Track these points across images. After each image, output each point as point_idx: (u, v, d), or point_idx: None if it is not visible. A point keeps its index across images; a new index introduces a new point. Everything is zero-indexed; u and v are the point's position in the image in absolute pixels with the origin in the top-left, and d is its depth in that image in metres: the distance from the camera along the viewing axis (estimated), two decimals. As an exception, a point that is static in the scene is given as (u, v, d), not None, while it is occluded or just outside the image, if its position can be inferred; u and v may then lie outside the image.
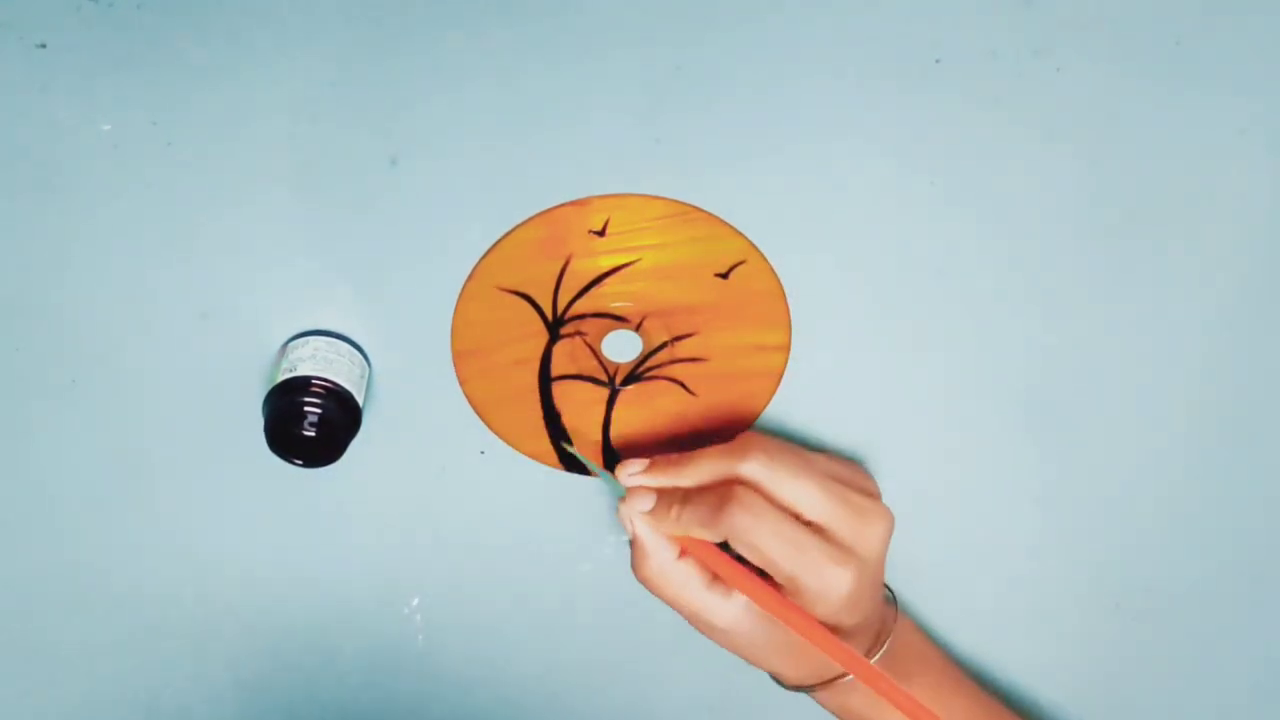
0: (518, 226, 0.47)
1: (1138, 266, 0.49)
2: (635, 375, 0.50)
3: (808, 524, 0.44)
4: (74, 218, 0.46)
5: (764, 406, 0.51)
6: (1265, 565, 0.56)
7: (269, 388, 0.47)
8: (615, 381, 0.50)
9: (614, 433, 0.51)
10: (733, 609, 0.46)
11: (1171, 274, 0.50)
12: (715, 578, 0.46)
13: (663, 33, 0.44)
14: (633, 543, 0.46)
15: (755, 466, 0.44)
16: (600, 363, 0.50)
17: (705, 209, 0.47)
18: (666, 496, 0.46)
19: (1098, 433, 0.53)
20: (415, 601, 0.55)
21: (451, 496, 0.53)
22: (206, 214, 0.46)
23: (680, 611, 0.47)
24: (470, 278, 0.48)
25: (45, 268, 0.47)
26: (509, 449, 0.52)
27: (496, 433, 0.51)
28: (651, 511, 0.46)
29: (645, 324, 0.49)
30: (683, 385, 0.50)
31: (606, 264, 0.48)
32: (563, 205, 0.47)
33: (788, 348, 0.50)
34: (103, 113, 0.44)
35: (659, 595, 0.47)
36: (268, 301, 0.48)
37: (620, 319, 0.49)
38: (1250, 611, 0.57)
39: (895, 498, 0.54)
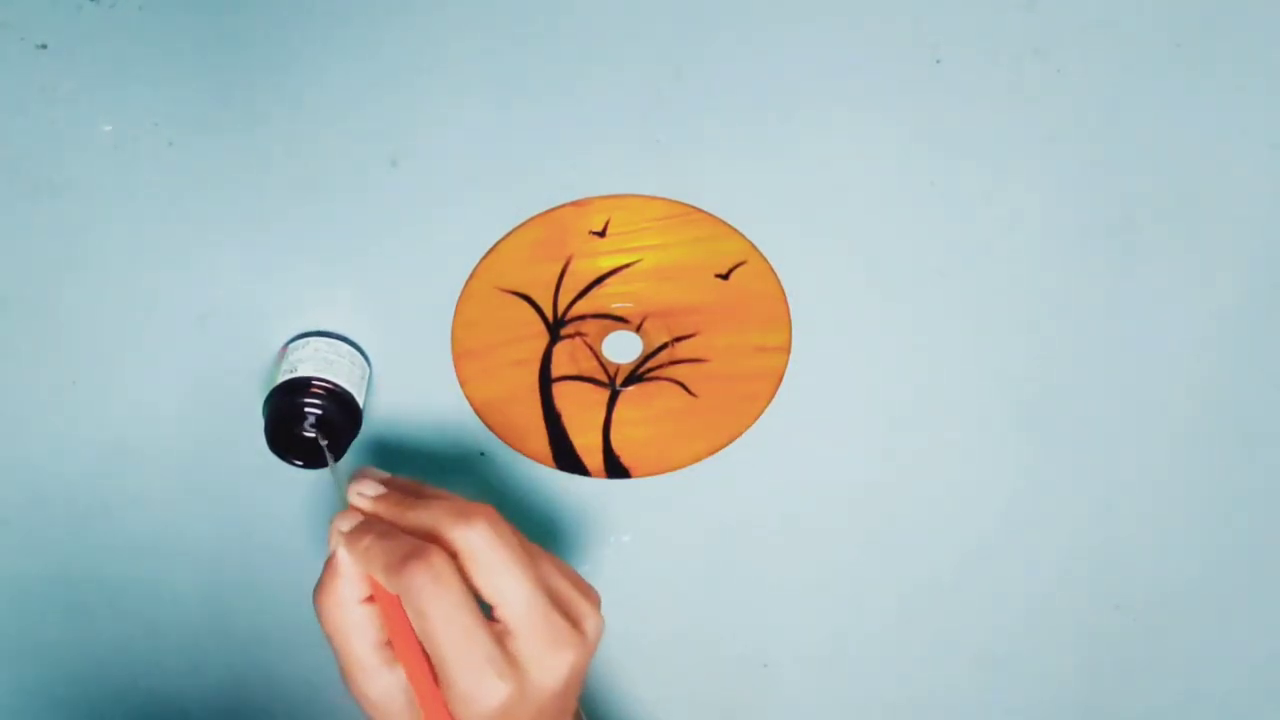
0: (518, 227, 0.47)
1: (1138, 267, 0.49)
2: (636, 376, 0.50)
3: (494, 620, 0.39)
4: (75, 218, 0.46)
5: (764, 407, 0.51)
6: (1265, 565, 0.56)
7: (269, 388, 0.47)
8: (616, 382, 0.50)
9: (614, 433, 0.51)
10: (387, 682, 0.40)
11: (1171, 274, 0.50)
12: (386, 642, 0.41)
13: (663, 33, 0.44)
14: (328, 562, 0.41)
15: (470, 536, 0.39)
16: (601, 363, 0.50)
17: (706, 209, 0.47)
18: (369, 525, 0.41)
19: (1098, 432, 0.53)
20: (416, 602, 0.55)
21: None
22: (207, 215, 0.46)
23: (338, 658, 0.41)
24: (470, 278, 0.48)
25: (46, 268, 0.47)
26: (509, 450, 0.52)
27: (497, 433, 0.51)
28: (347, 534, 0.41)
29: (646, 325, 0.49)
30: (683, 386, 0.50)
31: (607, 264, 0.48)
32: (563, 206, 0.47)
33: (788, 348, 0.50)
34: (104, 113, 0.44)
35: (325, 628, 0.41)
36: (268, 302, 0.48)
37: (621, 320, 0.49)
38: (1250, 612, 0.57)
39: (895, 498, 0.54)
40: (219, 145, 0.45)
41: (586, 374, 0.50)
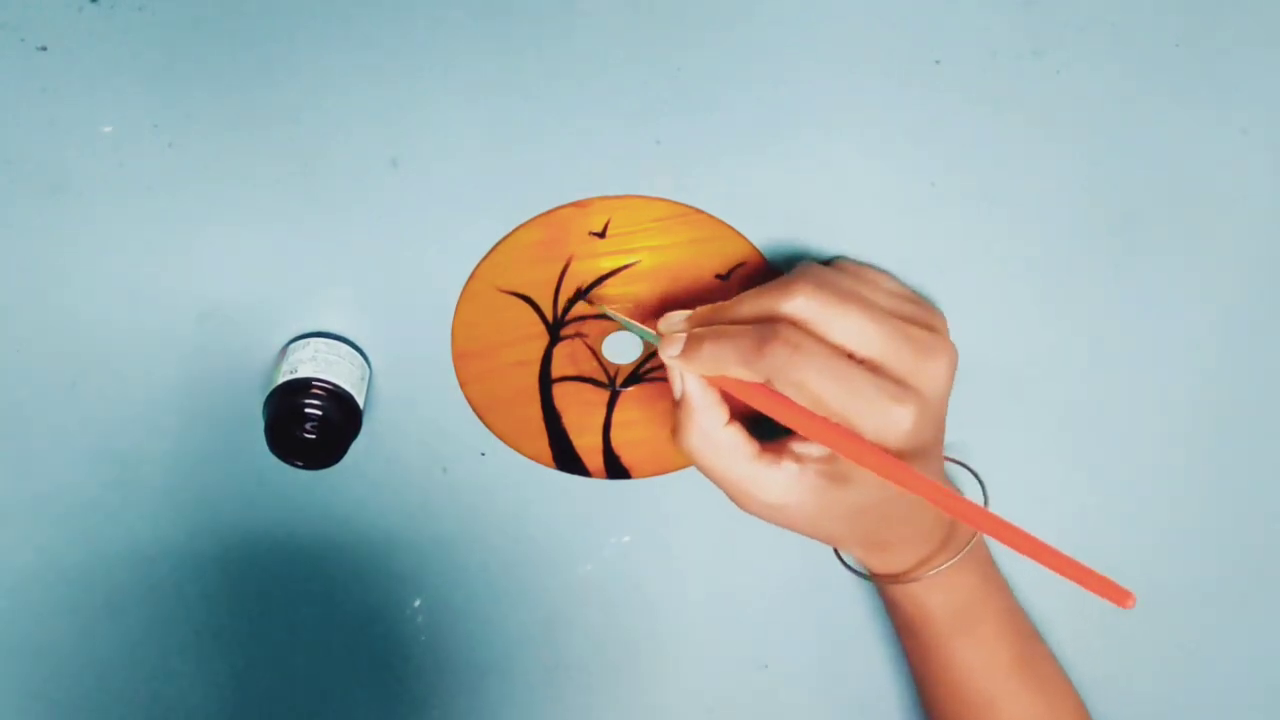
0: (518, 228, 0.47)
1: (1138, 267, 0.49)
2: (636, 377, 0.50)
3: (861, 361, 0.40)
4: (75, 219, 0.46)
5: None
6: (1267, 565, 0.56)
7: (269, 389, 0.47)
8: (616, 383, 0.50)
9: (614, 434, 0.51)
10: (782, 478, 0.42)
11: (1171, 274, 0.50)
12: (761, 452, 0.42)
13: (663, 34, 0.44)
14: (679, 403, 0.43)
15: (800, 303, 0.40)
16: (601, 364, 0.50)
17: (705, 210, 0.47)
18: (699, 336, 0.42)
19: (1098, 432, 0.53)
20: (417, 603, 0.55)
21: (452, 498, 0.53)
22: (207, 216, 0.46)
23: (724, 485, 0.43)
24: (471, 279, 0.48)
25: (46, 269, 0.47)
26: (510, 450, 0.52)
27: (497, 434, 0.51)
28: (682, 353, 0.42)
29: (646, 325, 0.49)
30: (683, 386, 0.50)
31: (607, 265, 0.48)
32: (563, 206, 0.47)
33: (788, 349, 0.50)
34: (104, 115, 0.44)
35: (701, 466, 0.43)
36: (268, 303, 0.48)
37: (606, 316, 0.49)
38: (1252, 612, 0.57)
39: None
40: (219, 146, 0.45)
41: (587, 375, 0.50)
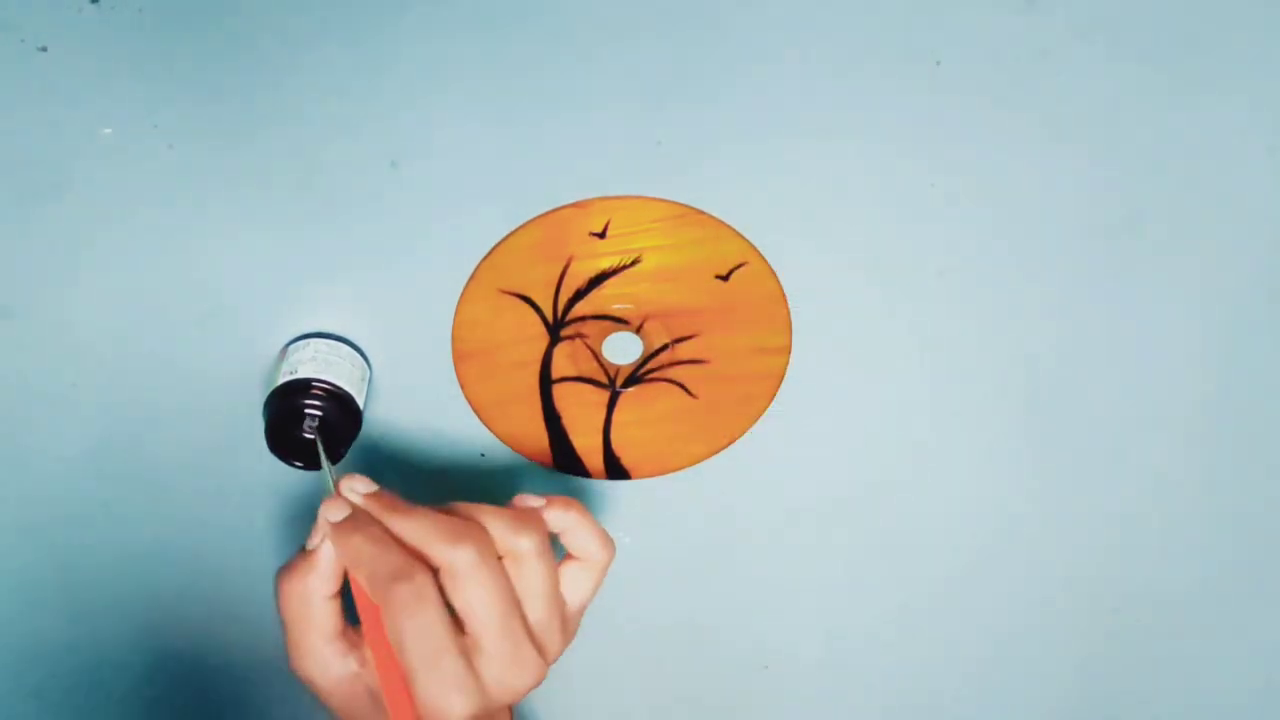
0: (518, 228, 0.47)
1: (1139, 267, 0.49)
2: (636, 377, 0.50)
3: (464, 635, 0.41)
4: (75, 221, 0.46)
5: (764, 408, 0.51)
6: (1265, 568, 0.56)
7: (269, 390, 0.47)
8: (616, 384, 0.50)
9: (614, 435, 0.51)
10: (336, 669, 0.42)
11: (1172, 275, 0.50)
12: (341, 634, 0.43)
13: (663, 34, 0.44)
14: (306, 552, 0.42)
15: (456, 557, 0.40)
16: (601, 365, 0.50)
17: (706, 210, 0.47)
18: (360, 523, 0.42)
19: (1098, 433, 0.53)
20: (416, 603, 0.55)
21: (452, 499, 0.53)
22: (207, 217, 0.46)
23: (289, 641, 0.43)
24: (471, 280, 0.48)
25: (46, 271, 0.47)
26: (510, 451, 0.52)
27: (497, 435, 0.51)
28: (336, 525, 0.42)
29: (646, 326, 0.49)
30: (683, 387, 0.50)
31: (607, 265, 0.48)
32: (563, 207, 0.47)
33: (788, 350, 0.50)
34: (104, 116, 0.44)
35: (284, 613, 0.42)
36: (268, 304, 0.48)
37: (621, 321, 0.49)
38: (1249, 614, 0.57)
39: (895, 499, 0.54)
40: (219, 148, 0.45)
41: (587, 375, 0.50)
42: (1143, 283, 0.50)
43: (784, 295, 0.49)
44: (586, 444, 0.51)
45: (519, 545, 0.42)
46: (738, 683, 0.55)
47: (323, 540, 0.42)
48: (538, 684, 0.43)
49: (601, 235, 0.48)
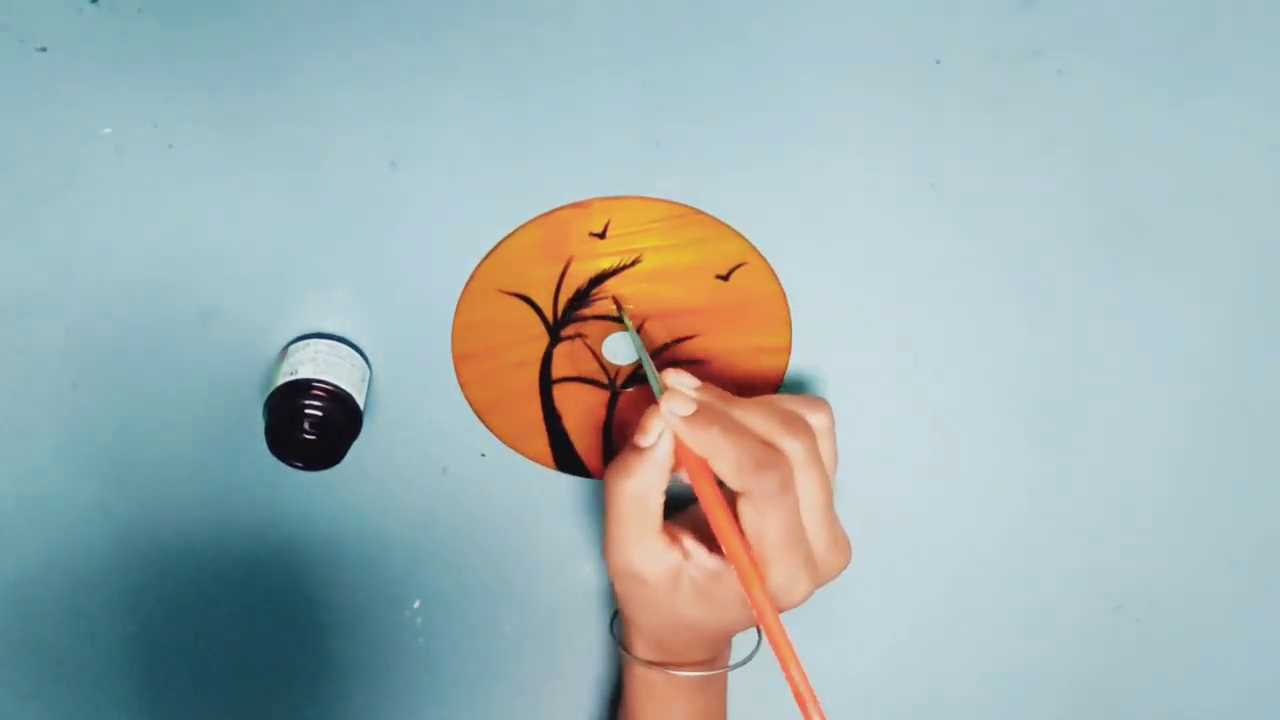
0: (518, 229, 0.47)
1: (1137, 267, 0.49)
2: (636, 377, 0.50)
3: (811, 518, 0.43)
4: (75, 221, 0.46)
5: (765, 408, 0.51)
6: (1266, 567, 0.56)
7: (270, 391, 0.47)
8: (616, 384, 0.50)
9: (615, 436, 0.51)
10: (664, 560, 0.44)
11: (1171, 275, 0.50)
12: (665, 528, 0.44)
13: (663, 35, 0.44)
14: (640, 449, 0.43)
15: (797, 448, 0.42)
16: (601, 365, 0.50)
17: (705, 211, 0.47)
18: (712, 415, 0.43)
19: (1098, 433, 0.53)
20: (416, 604, 0.55)
21: (452, 499, 0.53)
22: (207, 216, 0.46)
23: (617, 533, 0.44)
24: (471, 280, 0.48)
25: (46, 271, 0.47)
26: (510, 451, 0.52)
27: (497, 435, 0.51)
28: (690, 418, 0.43)
29: (646, 326, 0.49)
30: (683, 387, 0.50)
31: (607, 266, 0.48)
32: (563, 207, 0.47)
33: (788, 350, 0.50)
34: (103, 116, 0.44)
35: (617, 508, 0.43)
36: (268, 304, 0.48)
37: (621, 321, 0.49)
38: (1251, 613, 0.57)
39: (896, 500, 0.54)
40: (219, 147, 0.45)
41: (587, 375, 0.50)
42: (1142, 282, 0.50)
43: (784, 295, 0.49)
44: (586, 444, 0.51)
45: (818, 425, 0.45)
46: (737, 683, 0.55)
47: (660, 436, 0.43)
48: (848, 566, 0.46)
49: (601, 235, 0.48)
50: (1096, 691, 0.57)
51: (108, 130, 0.44)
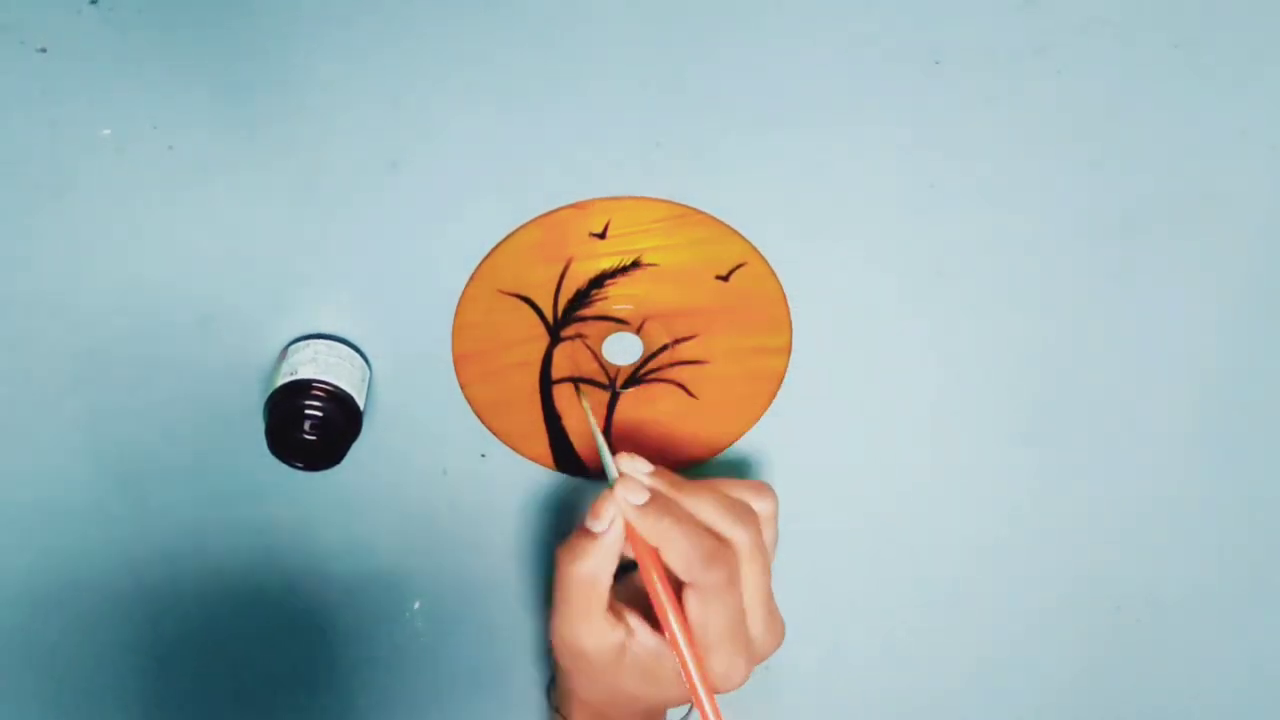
0: (518, 229, 0.47)
1: (1137, 267, 0.49)
2: (636, 378, 0.50)
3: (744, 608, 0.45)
4: (75, 222, 0.46)
5: (765, 409, 0.51)
6: (1265, 568, 0.56)
7: (270, 391, 0.47)
8: (616, 384, 0.50)
9: (615, 436, 0.51)
10: (609, 637, 0.44)
11: (1171, 274, 0.50)
12: (610, 607, 0.45)
13: (663, 36, 0.44)
14: (591, 534, 0.44)
15: (744, 540, 0.44)
16: (601, 365, 0.50)
17: (705, 211, 0.47)
18: (664, 506, 0.44)
19: (1098, 434, 0.53)
20: (417, 605, 0.55)
21: (453, 499, 0.53)
22: (207, 217, 0.46)
23: (565, 612, 0.44)
24: (471, 280, 0.48)
25: (46, 271, 0.47)
26: (510, 451, 0.52)
27: (497, 435, 0.51)
28: (640, 508, 0.43)
29: (646, 326, 0.49)
30: (683, 388, 0.50)
31: (607, 266, 0.48)
32: (563, 208, 0.47)
33: (789, 350, 0.50)
34: (103, 117, 0.44)
35: (566, 589, 0.44)
36: (268, 305, 0.48)
37: (621, 321, 0.49)
38: (1251, 613, 0.57)
39: (896, 500, 0.54)
40: (219, 148, 0.45)
41: (587, 376, 0.50)
42: (1142, 282, 0.50)
43: (784, 295, 0.49)
44: (586, 444, 0.51)
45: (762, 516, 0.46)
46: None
47: (612, 523, 0.44)
48: (780, 646, 0.47)
49: (601, 236, 0.48)
50: (1096, 691, 0.57)
51: (107, 131, 0.44)
